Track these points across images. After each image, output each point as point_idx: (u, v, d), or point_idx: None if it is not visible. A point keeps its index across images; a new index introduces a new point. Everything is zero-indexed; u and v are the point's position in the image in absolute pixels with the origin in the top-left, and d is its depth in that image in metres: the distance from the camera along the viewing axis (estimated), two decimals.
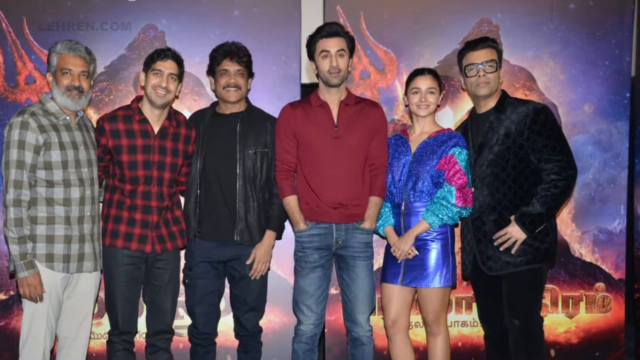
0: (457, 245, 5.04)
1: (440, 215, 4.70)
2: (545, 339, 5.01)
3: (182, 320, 5.53)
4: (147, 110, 4.85)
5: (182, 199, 5.11)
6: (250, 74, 5.11)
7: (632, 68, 5.88)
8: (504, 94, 4.92)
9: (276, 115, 5.08)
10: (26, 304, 4.52)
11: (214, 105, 5.20)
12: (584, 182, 5.80)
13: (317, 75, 4.97)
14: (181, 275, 5.09)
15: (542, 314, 4.96)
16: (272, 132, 5.03)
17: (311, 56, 4.97)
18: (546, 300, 5.77)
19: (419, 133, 4.94)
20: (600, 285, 5.88)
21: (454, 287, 4.97)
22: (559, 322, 5.88)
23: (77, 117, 4.67)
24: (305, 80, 5.94)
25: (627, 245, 5.94)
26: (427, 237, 4.78)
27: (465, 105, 5.72)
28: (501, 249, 4.73)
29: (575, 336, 5.89)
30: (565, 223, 5.82)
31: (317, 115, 4.93)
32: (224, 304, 5.36)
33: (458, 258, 5.08)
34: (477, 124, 4.94)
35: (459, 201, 4.69)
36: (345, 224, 4.88)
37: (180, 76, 4.91)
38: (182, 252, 5.09)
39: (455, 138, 4.81)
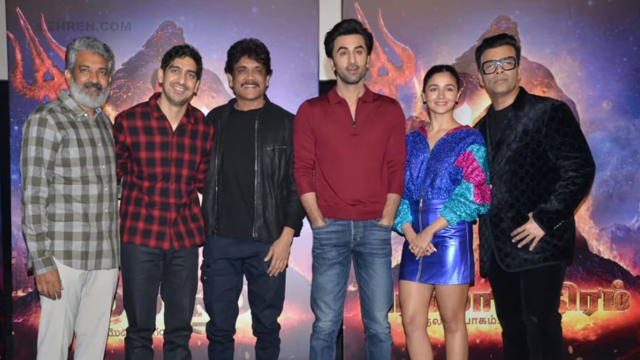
0: (475, 242, 5.04)
1: (458, 212, 4.69)
2: (563, 336, 5.01)
3: (200, 317, 5.54)
4: (165, 107, 4.85)
5: (200, 196, 5.12)
6: (269, 71, 5.11)
7: None
8: (522, 91, 4.91)
9: (294, 112, 5.08)
10: (44, 301, 4.53)
11: (232, 102, 5.19)
12: (601, 179, 5.79)
13: (335, 72, 4.96)
14: (199, 272, 5.09)
15: (560, 311, 4.97)
16: (290, 129, 5.03)
17: (329, 53, 4.96)
18: (564, 297, 5.77)
19: (437, 130, 4.93)
20: (618, 282, 5.86)
21: (472, 284, 4.96)
22: (577, 319, 5.86)
23: (95, 114, 4.67)
24: (323, 77, 5.93)
25: None
26: (445, 234, 4.77)
27: (483, 102, 5.72)
28: (519, 246, 4.72)
29: (593, 333, 5.88)
30: (583, 220, 5.80)
31: (335, 112, 4.92)
32: (242, 301, 5.35)
33: (476, 255, 5.08)
34: (495, 121, 4.93)
35: (477, 198, 4.68)
36: (363, 221, 4.87)
37: (198, 73, 4.90)
38: (200, 249, 5.09)
39: (474, 135, 4.80)
